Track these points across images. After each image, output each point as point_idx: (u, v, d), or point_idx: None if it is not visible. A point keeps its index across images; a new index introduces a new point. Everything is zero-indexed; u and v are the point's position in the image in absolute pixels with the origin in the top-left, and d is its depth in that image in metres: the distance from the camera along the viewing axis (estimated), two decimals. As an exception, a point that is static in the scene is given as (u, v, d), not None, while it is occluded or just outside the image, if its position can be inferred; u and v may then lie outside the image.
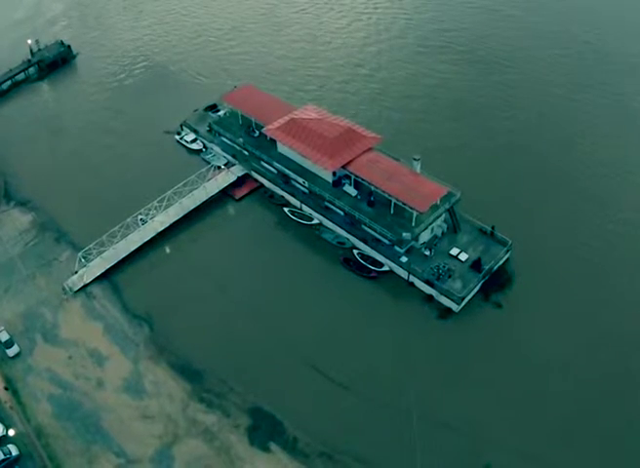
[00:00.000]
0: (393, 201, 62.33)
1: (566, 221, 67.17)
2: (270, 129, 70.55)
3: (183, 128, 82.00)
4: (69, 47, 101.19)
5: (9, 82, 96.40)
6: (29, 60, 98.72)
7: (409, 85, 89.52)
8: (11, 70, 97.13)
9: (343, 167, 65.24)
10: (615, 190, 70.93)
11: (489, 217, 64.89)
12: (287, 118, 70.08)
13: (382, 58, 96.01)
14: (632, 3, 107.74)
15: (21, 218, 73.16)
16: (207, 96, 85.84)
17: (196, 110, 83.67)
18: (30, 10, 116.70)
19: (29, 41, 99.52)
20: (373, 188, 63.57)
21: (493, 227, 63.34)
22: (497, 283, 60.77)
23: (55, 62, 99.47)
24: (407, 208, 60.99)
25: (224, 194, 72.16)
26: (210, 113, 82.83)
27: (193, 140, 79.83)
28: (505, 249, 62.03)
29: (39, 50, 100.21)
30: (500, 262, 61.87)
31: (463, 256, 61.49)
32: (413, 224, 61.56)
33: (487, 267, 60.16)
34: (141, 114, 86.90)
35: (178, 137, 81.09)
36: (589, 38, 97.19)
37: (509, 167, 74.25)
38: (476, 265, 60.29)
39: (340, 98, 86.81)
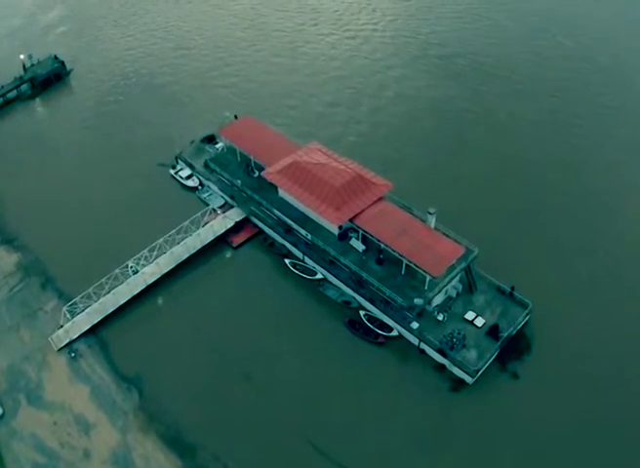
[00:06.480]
0: (405, 261, 56.95)
1: (588, 280, 61.60)
2: (270, 172, 64.43)
3: (179, 161, 75.87)
4: (63, 63, 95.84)
5: (0, 100, 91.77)
6: (21, 77, 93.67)
7: (414, 119, 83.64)
8: (2, 87, 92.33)
9: (351, 220, 59.52)
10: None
11: (505, 274, 59.66)
12: (289, 160, 63.84)
13: (384, 84, 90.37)
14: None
15: (7, 259, 68.89)
16: (205, 124, 79.99)
17: (192, 142, 77.25)
18: (23, 21, 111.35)
19: (22, 56, 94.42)
20: (382, 246, 58.07)
21: (512, 288, 58.07)
22: (514, 349, 55.61)
23: (48, 79, 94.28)
24: (420, 270, 55.66)
25: (222, 240, 66.76)
26: (207, 146, 76.33)
27: (189, 177, 73.69)
28: (525, 312, 56.80)
29: (32, 65, 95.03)
30: (519, 327, 56.81)
31: (480, 322, 56.13)
32: (425, 287, 56.07)
33: (505, 334, 55.10)
34: (135, 141, 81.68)
35: (172, 172, 74.99)
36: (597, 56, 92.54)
37: (526, 214, 68.52)
38: (493, 332, 55.18)
39: (342, 132, 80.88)
